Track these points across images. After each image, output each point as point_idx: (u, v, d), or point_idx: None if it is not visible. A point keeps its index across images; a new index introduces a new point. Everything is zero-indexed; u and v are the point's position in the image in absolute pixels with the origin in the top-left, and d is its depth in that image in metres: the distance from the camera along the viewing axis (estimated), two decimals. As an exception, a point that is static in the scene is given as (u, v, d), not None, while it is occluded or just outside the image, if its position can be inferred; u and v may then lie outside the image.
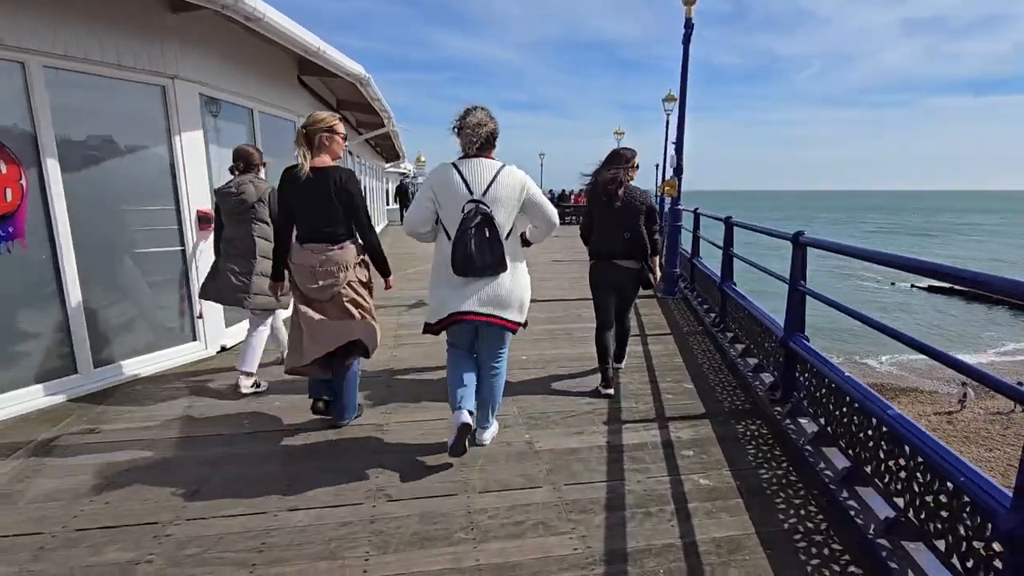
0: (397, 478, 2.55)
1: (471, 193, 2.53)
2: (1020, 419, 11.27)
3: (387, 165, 21.73)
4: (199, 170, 4.30)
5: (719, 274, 5.00)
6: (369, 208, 3.19)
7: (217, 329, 4.55)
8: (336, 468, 2.64)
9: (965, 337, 18.14)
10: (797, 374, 3.14)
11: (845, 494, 2.30)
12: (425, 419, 3.19)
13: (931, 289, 24.96)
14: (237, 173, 3.54)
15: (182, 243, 4.24)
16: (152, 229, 4.05)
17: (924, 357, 2.24)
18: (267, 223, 3.48)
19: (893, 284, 26.83)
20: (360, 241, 2.91)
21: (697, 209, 6.60)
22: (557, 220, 2.73)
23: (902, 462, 2.09)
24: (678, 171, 6.51)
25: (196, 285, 4.15)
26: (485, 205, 2.52)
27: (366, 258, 2.93)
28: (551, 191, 26.51)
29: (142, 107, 3.91)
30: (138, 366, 3.95)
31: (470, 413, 2.60)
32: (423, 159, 38.55)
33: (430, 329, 2.69)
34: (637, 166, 3.56)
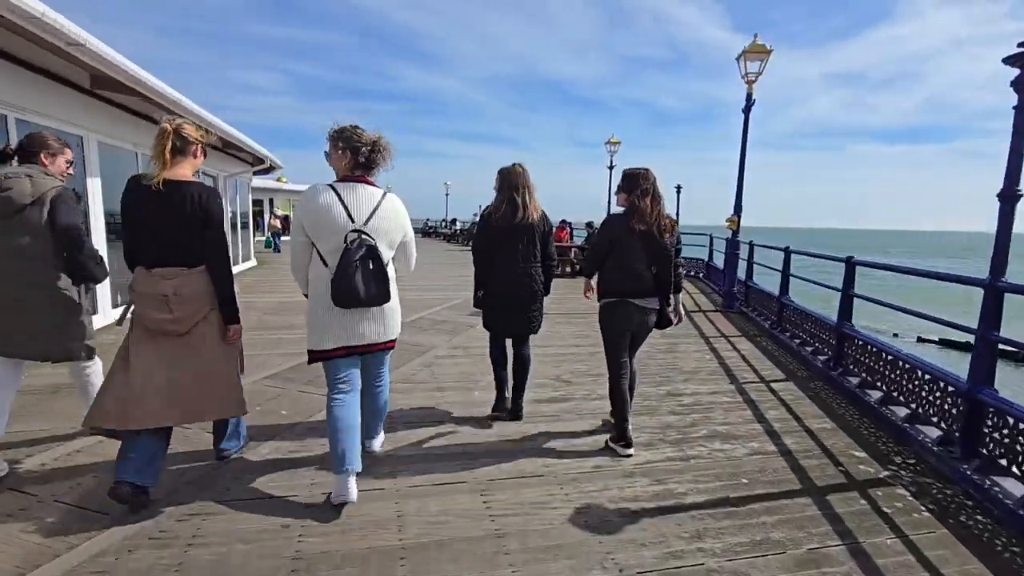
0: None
1: (352, 221, 2.37)
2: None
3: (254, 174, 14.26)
4: None
5: (776, 292, 6.74)
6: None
7: None
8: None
9: None
10: (845, 348, 4.81)
11: (884, 409, 3.92)
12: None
13: (943, 343, 19.38)
14: (9, 161, 2.67)
15: None
16: None
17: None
18: (46, 237, 2.55)
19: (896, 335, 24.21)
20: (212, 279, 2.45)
21: (752, 241, 8.32)
22: (414, 266, 2.80)
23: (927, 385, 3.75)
24: (737, 209, 8.27)
25: None
26: (368, 235, 2.38)
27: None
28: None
29: None
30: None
31: (356, 474, 2.50)
32: None
33: (316, 358, 2.50)
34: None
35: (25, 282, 2.54)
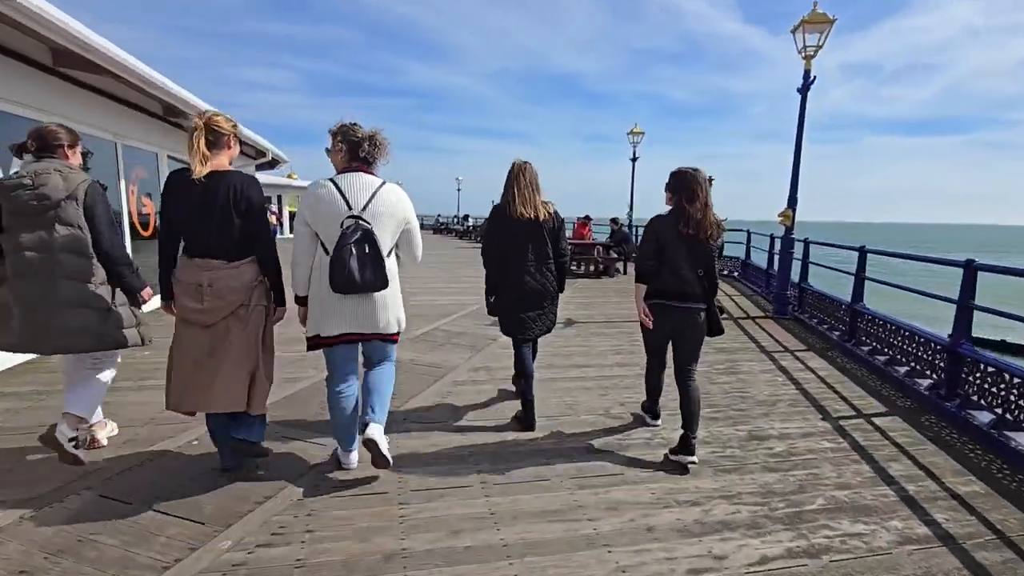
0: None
1: (350, 208, 2.42)
2: None
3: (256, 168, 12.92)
4: None
5: (848, 298, 5.79)
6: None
7: None
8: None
9: None
10: (964, 374, 3.86)
11: (1041, 460, 3.00)
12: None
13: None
14: (28, 157, 2.61)
15: None
16: None
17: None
18: (80, 231, 2.55)
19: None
20: (259, 263, 2.53)
21: (807, 239, 7.35)
22: (420, 257, 2.77)
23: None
24: (792, 201, 7.10)
25: None
26: (365, 221, 2.42)
27: (266, 282, 2.58)
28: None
29: None
30: None
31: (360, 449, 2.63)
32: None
33: (315, 344, 2.59)
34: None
35: (61, 276, 2.52)
